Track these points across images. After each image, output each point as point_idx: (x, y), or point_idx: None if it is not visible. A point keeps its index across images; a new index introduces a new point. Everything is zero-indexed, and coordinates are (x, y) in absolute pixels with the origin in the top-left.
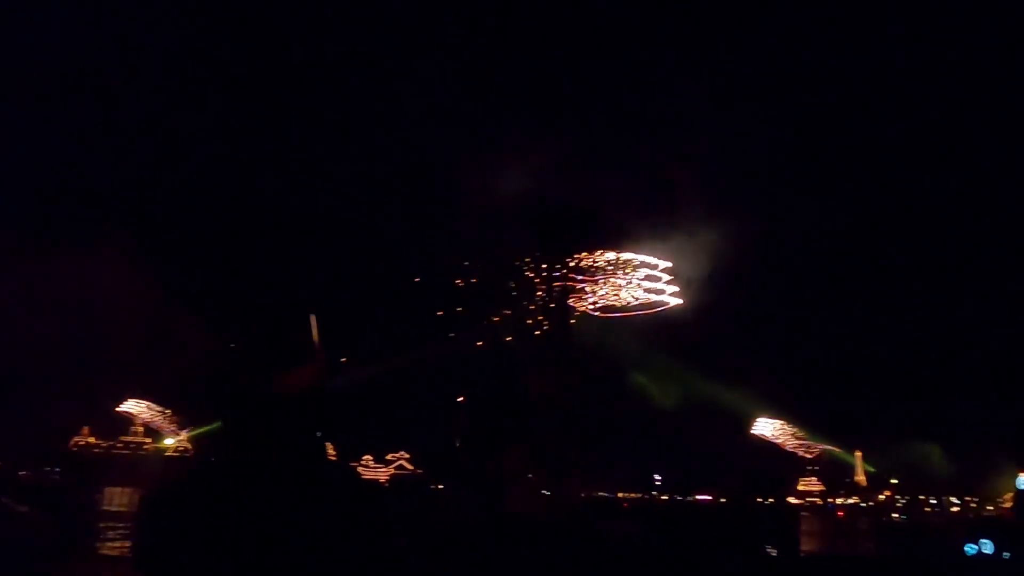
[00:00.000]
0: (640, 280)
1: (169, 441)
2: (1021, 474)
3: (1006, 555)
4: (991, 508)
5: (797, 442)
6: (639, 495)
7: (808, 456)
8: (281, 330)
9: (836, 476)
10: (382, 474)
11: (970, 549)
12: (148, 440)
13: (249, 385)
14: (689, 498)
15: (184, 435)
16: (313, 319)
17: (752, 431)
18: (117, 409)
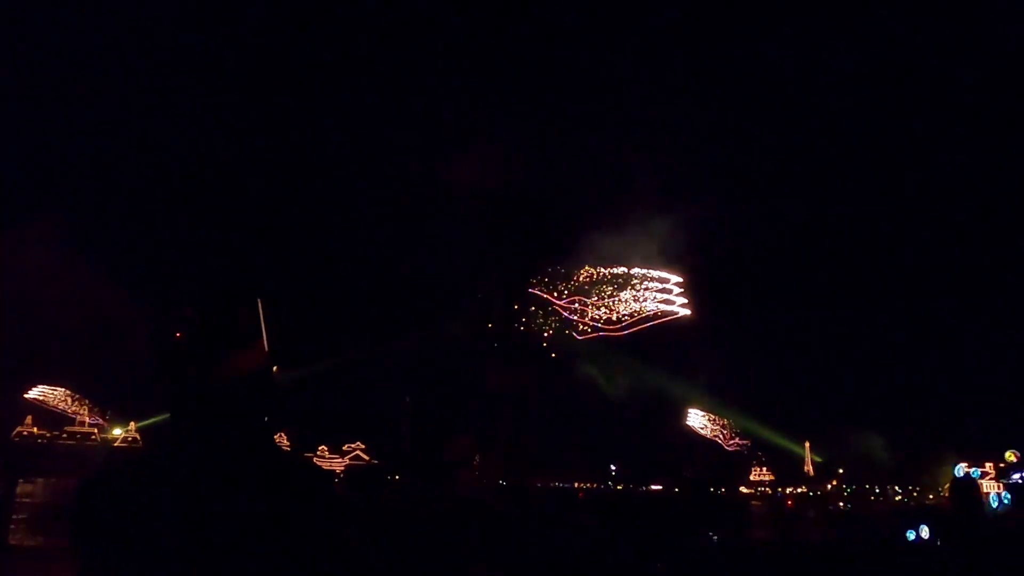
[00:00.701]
0: (655, 292)
1: (117, 431)
2: (958, 464)
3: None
4: (931, 497)
5: (725, 433)
6: (595, 485)
7: (736, 449)
8: (225, 314)
9: (786, 466)
10: (337, 464)
11: (910, 534)
12: (94, 431)
13: (193, 369)
14: (644, 488)
15: (132, 425)
16: (259, 305)
17: (686, 423)
18: (25, 396)
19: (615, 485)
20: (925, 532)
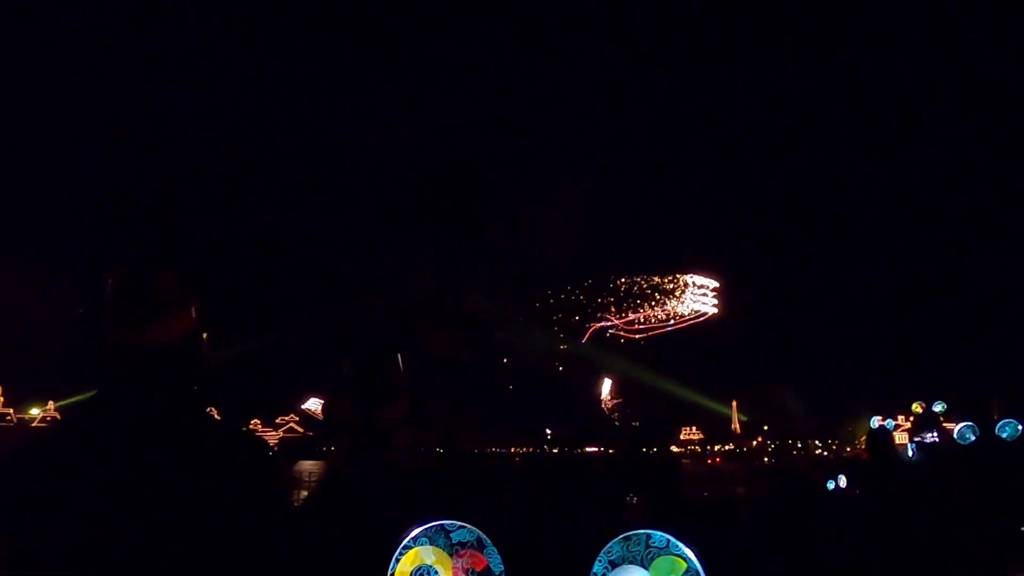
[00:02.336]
0: (695, 295)
1: (35, 411)
2: (874, 417)
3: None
4: (848, 449)
5: (615, 401)
6: (530, 449)
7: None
8: (148, 279)
9: (714, 425)
10: (271, 437)
11: (830, 484)
12: (9, 411)
13: (115, 336)
14: (579, 450)
15: (51, 405)
16: (161, 270)
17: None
18: None
19: (551, 449)
20: (843, 482)
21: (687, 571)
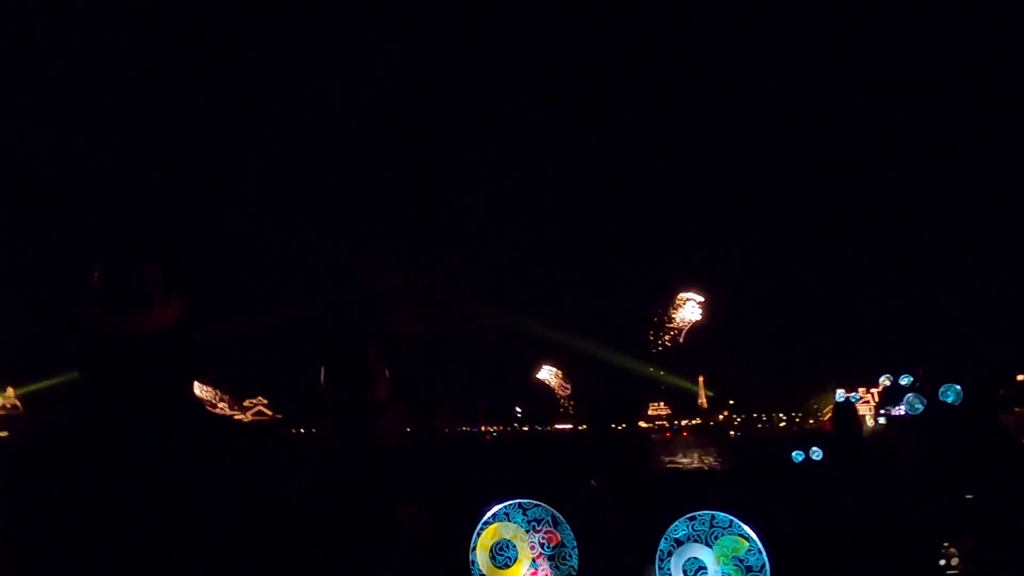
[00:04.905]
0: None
1: None
2: (839, 391)
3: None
4: (812, 422)
5: (561, 383)
6: (501, 427)
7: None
8: (132, 267)
9: (681, 400)
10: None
11: (797, 456)
12: None
13: (101, 328)
14: (549, 428)
15: (10, 392)
16: (150, 260)
17: (536, 376)
18: None
19: (521, 427)
20: (817, 454)
21: (749, 550)
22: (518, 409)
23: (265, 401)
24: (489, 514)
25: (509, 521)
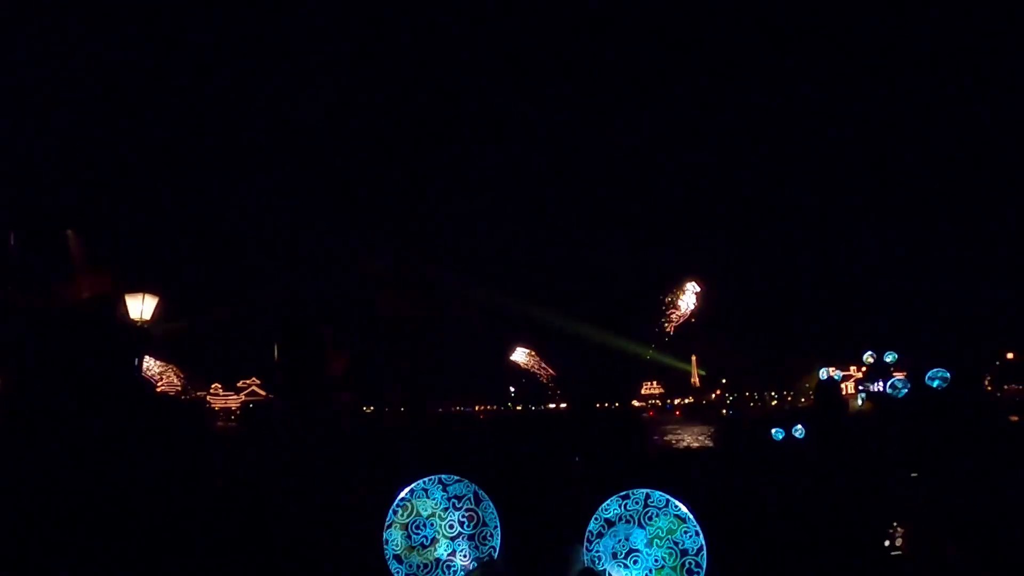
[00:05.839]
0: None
1: None
2: (823, 369)
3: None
4: (802, 401)
5: (541, 367)
6: (494, 407)
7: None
8: (53, 241)
9: (674, 379)
10: (233, 402)
11: (777, 434)
12: None
13: (20, 302)
14: (542, 407)
15: None
16: (71, 233)
17: (511, 358)
18: None
19: (514, 407)
20: (799, 432)
21: (685, 531)
22: (512, 389)
23: (259, 381)
24: (407, 490)
25: (427, 498)
